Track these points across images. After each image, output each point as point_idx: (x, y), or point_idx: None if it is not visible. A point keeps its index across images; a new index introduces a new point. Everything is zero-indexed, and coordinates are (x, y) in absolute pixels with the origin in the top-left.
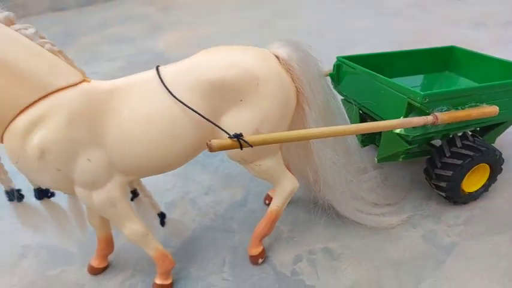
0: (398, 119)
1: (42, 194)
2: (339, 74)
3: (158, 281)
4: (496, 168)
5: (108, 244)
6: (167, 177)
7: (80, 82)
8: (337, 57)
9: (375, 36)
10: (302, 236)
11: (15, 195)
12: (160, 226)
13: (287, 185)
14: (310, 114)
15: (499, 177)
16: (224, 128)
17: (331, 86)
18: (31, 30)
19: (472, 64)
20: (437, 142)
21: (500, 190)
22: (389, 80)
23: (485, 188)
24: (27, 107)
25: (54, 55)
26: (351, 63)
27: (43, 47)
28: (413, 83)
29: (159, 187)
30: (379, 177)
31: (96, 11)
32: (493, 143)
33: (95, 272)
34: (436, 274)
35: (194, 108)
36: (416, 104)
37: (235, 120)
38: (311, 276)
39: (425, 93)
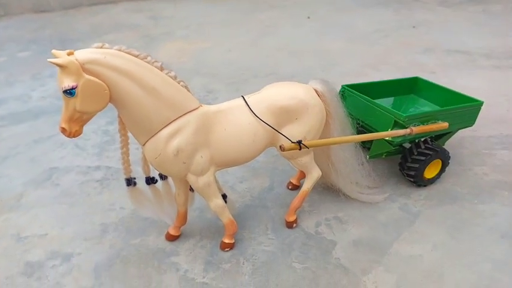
0: (390, 131)
1: (151, 180)
2: (343, 97)
3: (226, 240)
4: (445, 163)
5: (184, 218)
6: None
7: (198, 107)
8: (342, 86)
9: (349, 58)
10: (318, 209)
11: (132, 182)
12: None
13: (315, 173)
14: (333, 126)
15: (447, 168)
16: (283, 136)
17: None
18: (173, 73)
19: (429, 90)
20: (406, 145)
21: (448, 177)
22: (382, 105)
23: (439, 175)
24: (170, 123)
25: (185, 88)
26: (352, 90)
27: (179, 83)
28: (388, 102)
29: None
30: (370, 168)
31: (82, 15)
32: (443, 145)
33: (172, 238)
34: (409, 229)
35: (265, 125)
36: (400, 122)
37: (291, 131)
38: (329, 234)
39: (406, 115)
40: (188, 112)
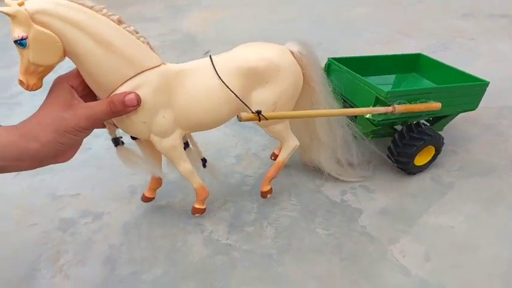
0: (368, 108)
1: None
2: (328, 70)
3: (197, 206)
4: (438, 150)
5: (158, 181)
6: (230, 138)
7: (160, 64)
8: (328, 59)
9: (378, 24)
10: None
11: (119, 142)
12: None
13: (292, 143)
14: (318, 89)
15: (484, 139)
16: (253, 101)
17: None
18: (132, 28)
19: (432, 68)
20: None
21: (484, 147)
22: (365, 79)
23: (430, 163)
24: (128, 80)
25: (145, 44)
26: (338, 64)
27: (138, 39)
28: (387, 80)
29: (225, 145)
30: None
31: None
32: (441, 130)
33: (147, 200)
34: (440, 201)
35: (233, 88)
36: (382, 98)
37: (261, 95)
38: (355, 202)
39: (387, 91)
40: (148, 70)
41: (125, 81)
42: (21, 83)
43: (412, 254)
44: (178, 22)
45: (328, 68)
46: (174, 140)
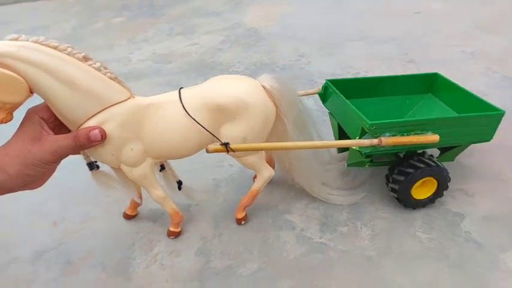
0: (352, 140)
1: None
2: (325, 93)
3: (171, 229)
4: (442, 183)
5: (138, 199)
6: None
7: (128, 98)
8: (326, 80)
9: (455, 19)
10: None
11: (94, 166)
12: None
13: (265, 173)
14: (288, 125)
15: None
16: (221, 136)
17: (304, 106)
18: (98, 64)
19: (448, 91)
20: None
21: None
22: (352, 107)
23: (433, 198)
24: (94, 115)
25: (112, 80)
26: (332, 87)
27: (105, 75)
28: (397, 102)
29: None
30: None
31: None
32: (452, 160)
33: (129, 218)
34: None
35: (201, 122)
36: (366, 130)
37: (229, 131)
38: (455, 206)
39: (371, 122)
40: (115, 104)
41: (92, 116)
42: None
43: None
44: (240, 16)
45: (325, 91)
46: (144, 169)
